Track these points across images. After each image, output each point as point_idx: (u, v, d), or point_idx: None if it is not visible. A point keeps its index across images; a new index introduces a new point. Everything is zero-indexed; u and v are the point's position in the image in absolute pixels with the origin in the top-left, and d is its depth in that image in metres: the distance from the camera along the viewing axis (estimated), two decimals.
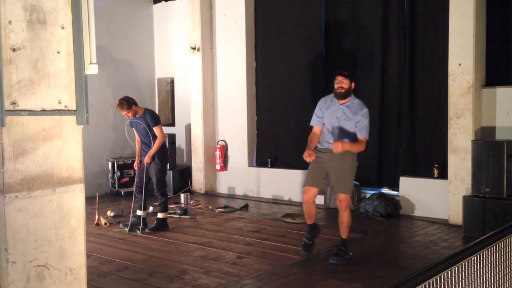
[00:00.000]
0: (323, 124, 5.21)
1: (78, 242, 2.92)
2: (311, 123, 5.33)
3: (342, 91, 5.07)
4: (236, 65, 9.24)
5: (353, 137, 5.07)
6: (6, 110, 2.59)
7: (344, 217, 5.15)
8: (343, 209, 5.13)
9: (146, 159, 6.51)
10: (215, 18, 9.53)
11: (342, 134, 5.08)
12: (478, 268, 2.46)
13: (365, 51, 7.84)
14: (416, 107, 7.36)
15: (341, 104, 5.13)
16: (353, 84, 5.14)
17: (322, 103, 5.27)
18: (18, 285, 2.68)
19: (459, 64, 6.52)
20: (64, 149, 2.84)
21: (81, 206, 2.94)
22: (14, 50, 2.63)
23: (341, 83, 5.06)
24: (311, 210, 5.20)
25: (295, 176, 8.39)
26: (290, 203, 8.43)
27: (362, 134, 5.05)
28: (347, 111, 5.09)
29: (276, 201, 8.59)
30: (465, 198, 6.14)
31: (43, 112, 2.75)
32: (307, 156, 4.97)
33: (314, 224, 5.30)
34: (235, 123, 9.33)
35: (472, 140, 6.33)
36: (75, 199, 2.90)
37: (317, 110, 5.27)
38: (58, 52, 2.80)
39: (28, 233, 2.71)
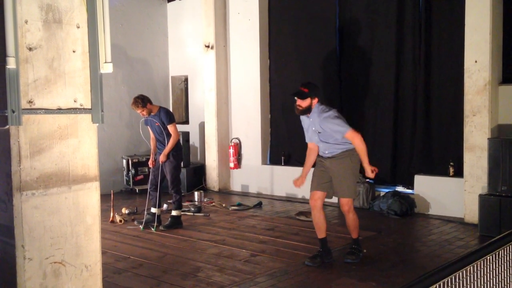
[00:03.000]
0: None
1: (94, 239, 2.95)
2: (306, 140, 5.24)
3: (300, 109, 4.94)
4: (249, 63, 9.24)
5: (339, 140, 4.97)
6: (23, 109, 2.63)
7: (350, 220, 5.13)
8: (347, 213, 5.11)
9: (161, 158, 6.54)
10: (229, 16, 9.53)
11: (328, 140, 5.00)
12: (494, 268, 2.43)
13: (380, 49, 7.78)
14: (431, 104, 7.29)
15: (309, 117, 5.02)
16: (314, 101, 4.91)
17: (302, 119, 5.16)
18: (34, 282, 2.71)
19: (475, 61, 6.44)
20: (79, 147, 2.87)
21: (96, 203, 2.97)
22: (30, 49, 2.66)
23: (300, 102, 4.91)
24: (320, 219, 5.07)
25: (308, 174, 8.30)
26: (303, 201, 8.41)
27: (343, 132, 4.87)
28: (316, 124, 4.98)
29: (289, 199, 8.58)
30: (481, 197, 6.08)
31: (59, 110, 2.79)
32: (298, 184, 5.17)
33: (326, 240, 5.13)
34: (248, 121, 9.34)
35: (488, 138, 6.25)
36: (90, 197, 2.93)
37: (304, 126, 5.19)
38: (74, 51, 2.83)
39: (45, 230, 2.74)
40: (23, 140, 2.65)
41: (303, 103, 4.92)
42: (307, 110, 4.96)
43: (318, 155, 5.20)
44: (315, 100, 4.95)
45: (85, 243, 2.91)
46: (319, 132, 4.98)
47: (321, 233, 5.10)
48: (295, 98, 4.95)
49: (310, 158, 5.23)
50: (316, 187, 5.10)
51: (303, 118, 5.14)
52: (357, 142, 4.87)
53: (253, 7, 9.12)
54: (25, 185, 2.66)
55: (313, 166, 5.29)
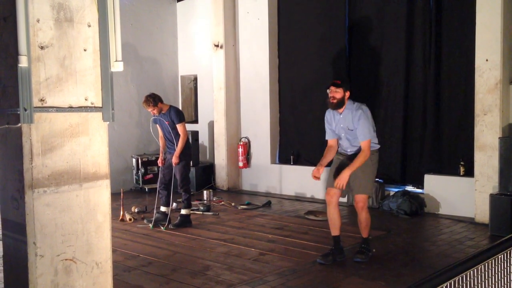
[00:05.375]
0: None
1: (104, 236, 2.97)
2: (327, 137, 5.26)
3: (334, 101, 4.96)
4: (259, 62, 9.24)
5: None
6: (35, 107, 2.65)
7: (362, 218, 5.11)
8: (360, 210, 5.09)
9: (174, 160, 6.54)
10: (238, 15, 9.54)
11: (352, 144, 5.04)
12: (505, 267, 2.42)
13: (390, 47, 7.75)
14: (441, 103, 7.25)
15: (340, 113, 5.04)
16: (347, 94, 4.98)
17: (327, 116, 5.20)
18: (46, 279, 2.74)
19: (486, 60, 6.40)
20: (90, 145, 2.90)
21: (107, 201, 2.99)
22: (42, 48, 2.68)
23: (334, 93, 4.94)
24: (335, 215, 5.08)
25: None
26: (312, 200, 8.41)
27: (361, 139, 4.90)
28: (347, 120, 4.99)
29: (298, 198, 8.57)
30: (492, 196, 6.03)
31: (70, 108, 2.81)
32: (315, 173, 5.01)
33: (339, 238, 5.13)
34: (258, 120, 9.34)
35: (499, 137, 6.21)
36: (101, 195, 2.95)
37: (326, 123, 5.21)
38: (85, 50, 2.85)
39: (56, 227, 2.76)
40: (35, 138, 2.68)
41: (337, 94, 4.93)
42: (341, 103, 4.97)
43: (338, 152, 5.20)
44: (347, 94, 4.99)
45: (95, 241, 2.93)
46: (350, 130, 4.98)
47: (335, 230, 5.10)
48: (329, 90, 4.97)
49: (329, 155, 5.18)
50: (333, 184, 5.09)
51: (330, 114, 5.14)
52: (362, 153, 4.89)
53: (262, 6, 9.12)
54: (36, 183, 2.68)
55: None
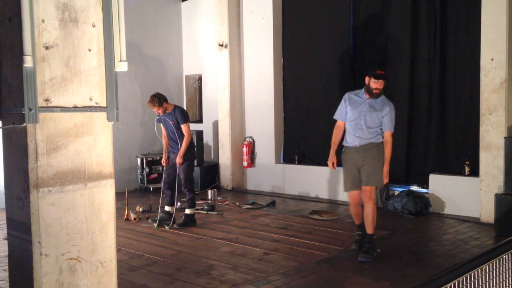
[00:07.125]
0: (347, 119, 5.24)
1: (109, 236, 2.98)
2: (336, 117, 5.36)
3: (378, 92, 5.10)
4: (263, 61, 9.24)
5: (377, 129, 5.12)
6: (40, 107, 2.66)
7: (369, 210, 5.15)
8: (367, 200, 5.14)
9: (178, 160, 6.55)
10: (243, 15, 9.54)
11: (367, 126, 5.12)
12: (510, 267, 2.41)
13: (394, 46, 7.73)
14: (446, 103, 7.23)
15: (368, 99, 5.16)
16: (385, 83, 5.17)
17: (347, 97, 5.29)
18: (51, 278, 2.75)
19: (492, 59, 6.37)
20: (95, 145, 2.90)
21: (111, 201, 3.00)
22: (47, 48, 2.69)
23: (380, 84, 5.06)
24: (358, 210, 5.35)
25: (322, 173, 8.36)
26: (317, 200, 8.40)
27: (389, 129, 5.12)
28: (373, 103, 5.13)
29: (303, 198, 8.56)
30: (497, 196, 6.01)
31: (75, 108, 2.82)
32: (332, 165, 5.34)
33: (363, 224, 5.33)
34: (262, 120, 9.34)
35: (504, 137, 6.18)
36: (105, 194, 2.96)
37: (342, 104, 5.32)
38: (90, 50, 2.86)
39: (61, 226, 2.77)
40: (40, 138, 2.69)
41: (381, 85, 5.09)
42: (382, 93, 5.15)
43: (344, 151, 5.27)
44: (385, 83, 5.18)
45: (100, 240, 2.94)
46: (375, 111, 5.09)
47: (358, 220, 5.41)
48: (376, 81, 5.05)
49: (338, 136, 5.36)
50: (351, 186, 5.23)
51: (357, 97, 5.24)
52: (389, 145, 5.15)
53: (267, 6, 9.12)
54: (41, 182, 2.69)
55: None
